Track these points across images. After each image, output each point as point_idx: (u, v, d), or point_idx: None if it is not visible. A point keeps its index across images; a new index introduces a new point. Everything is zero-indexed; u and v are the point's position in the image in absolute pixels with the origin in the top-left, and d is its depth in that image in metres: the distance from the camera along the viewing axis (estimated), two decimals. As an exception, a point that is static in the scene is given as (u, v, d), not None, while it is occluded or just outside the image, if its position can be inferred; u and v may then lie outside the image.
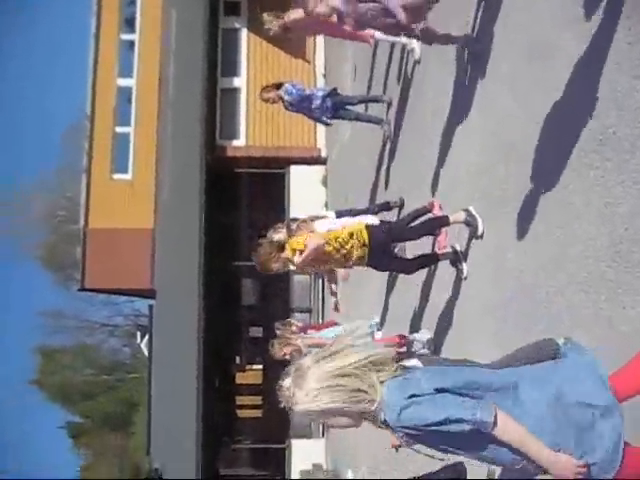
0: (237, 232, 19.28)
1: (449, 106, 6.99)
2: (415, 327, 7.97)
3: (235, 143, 18.24)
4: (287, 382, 2.92)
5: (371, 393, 2.79)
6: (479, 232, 6.14)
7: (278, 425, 18.26)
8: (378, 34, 8.20)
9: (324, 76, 17.50)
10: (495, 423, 2.73)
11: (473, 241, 6.33)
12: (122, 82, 19.32)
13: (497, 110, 5.79)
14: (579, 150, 4.24)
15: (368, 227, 6.55)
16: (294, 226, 7.02)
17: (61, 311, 44.14)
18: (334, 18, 5.94)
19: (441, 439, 2.81)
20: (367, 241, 6.42)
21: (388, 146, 10.16)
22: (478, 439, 2.79)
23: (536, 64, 5.01)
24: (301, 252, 6.36)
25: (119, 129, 19.18)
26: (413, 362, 3.31)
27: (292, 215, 17.79)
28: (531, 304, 4.86)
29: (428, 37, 6.06)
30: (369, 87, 11.53)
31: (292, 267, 6.85)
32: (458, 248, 6.68)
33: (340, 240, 6.40)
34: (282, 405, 2.94)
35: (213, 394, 18.33)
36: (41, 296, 53.88)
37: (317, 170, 18.00)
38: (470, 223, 6.25)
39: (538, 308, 4.74)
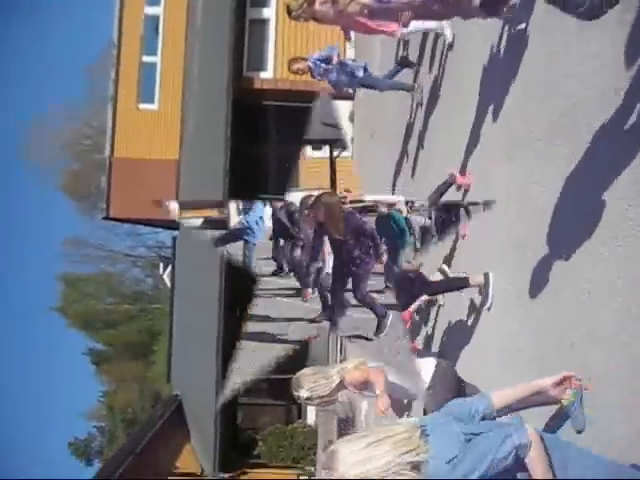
0: (263, 165, 19.26)
1: (486, 62, 6.83)
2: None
3: (262, 75, 18.12)
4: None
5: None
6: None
7: (296, 356, 18.47)
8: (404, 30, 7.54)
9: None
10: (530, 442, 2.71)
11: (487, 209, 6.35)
12: (149, 10, 19.16)
13: (539, 71, 5.64)
14: (619, 110, 4.19)
15: None
16: (310, 202, 6.78)
17: (85, 240, 44.54)
18: (365, 15, 5.68)
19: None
20: None
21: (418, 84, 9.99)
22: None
23: (585, 33, 4.87)
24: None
25: (146, 58, 19.09)
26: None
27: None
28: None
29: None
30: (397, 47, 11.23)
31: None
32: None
33: None
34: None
35: (234, 324, 18.55)
36: (64, 224, 54.36)
37: (344, 105, 17.87)
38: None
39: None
